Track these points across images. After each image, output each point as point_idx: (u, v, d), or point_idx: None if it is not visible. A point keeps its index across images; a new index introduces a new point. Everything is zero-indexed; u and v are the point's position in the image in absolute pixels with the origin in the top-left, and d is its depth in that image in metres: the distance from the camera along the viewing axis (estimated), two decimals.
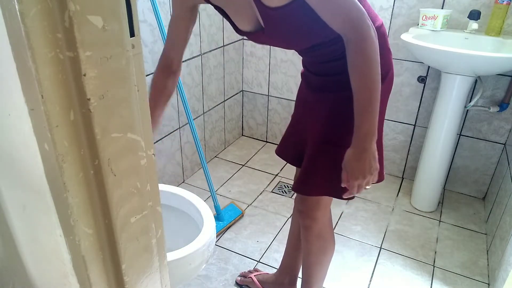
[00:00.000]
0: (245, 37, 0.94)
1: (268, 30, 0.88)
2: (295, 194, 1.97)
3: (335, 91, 0.96)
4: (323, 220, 1.12)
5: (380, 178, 1.03)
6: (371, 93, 0.82)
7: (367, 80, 0.81)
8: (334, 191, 1.00)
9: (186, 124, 1.96)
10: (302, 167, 1.04)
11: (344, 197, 0.95)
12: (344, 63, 0.86)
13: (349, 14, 0.78)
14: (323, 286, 1.48)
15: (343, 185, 0.92)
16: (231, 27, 0.94)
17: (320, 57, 0.95)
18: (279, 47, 0.99)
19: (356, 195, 0.92)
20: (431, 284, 1.50)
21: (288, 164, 2.26)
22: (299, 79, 2.17)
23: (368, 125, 0.84)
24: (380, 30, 0.93)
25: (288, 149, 1.17)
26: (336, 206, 1.91)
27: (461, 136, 1.94)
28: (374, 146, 0.86)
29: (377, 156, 0.88)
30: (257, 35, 0.91)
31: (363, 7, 0.90)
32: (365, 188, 0.92)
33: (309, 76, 1.04)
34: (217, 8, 0.91)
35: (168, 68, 1.01)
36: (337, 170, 0.96)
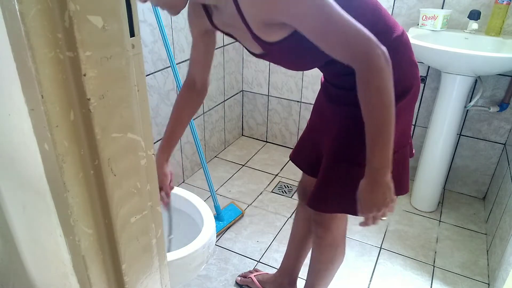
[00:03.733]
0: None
1: (273, 59, 0.88)
2: (295, 194, 1.98)
3: (353, 105, 0.88)
4: (338, 230, 1.10)
5: (405, 191, 1.02)
6: (382, 125, 0.76)
7: (377, 112, 0.75)
8: (349, 208, 0.96)
9: None
10: (317, 182, 1.01)
11: (361, 225, 0.90)
12: None
13: (353, 45, 0.71)
14: None
15: (359, 215, 0.88)
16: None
17: (338, 70, 0.90)
18: (290, 69, 0.98)
19: (373, 225, 0.88)
20: (431, 284, 1.50)
21: (288, 164, 2.26)
22: (299, 79, 2.18)
23: (379, 159, 0.78)
24: (401, 39, 0.88)
25: (302, 157, 1.15)
26: None
27: (461, 136, 1.94)
28: (388, 177, 0.81)
29: (392, 187, 0.82)
30: (267, 58, 0.90)
31: (381, 17, 0.86)
32: (382, 219, 0.87)
33: (328, 86, 1.00)
34: (227, 34, 0.91)
35: (191, 86, 1.04)
36: (352, 188, 0.91)
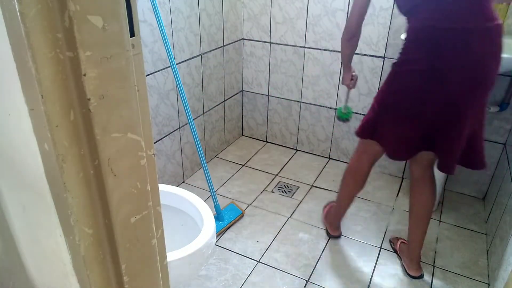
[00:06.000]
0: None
1: None
2: (295, 194, 1.98)
3: (395, 64, 1.26)
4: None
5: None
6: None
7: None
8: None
9: (186, 124, 1.96)
10: None
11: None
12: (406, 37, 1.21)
13: None
14: (324, 287, 1.48)
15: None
16: None
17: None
18: None
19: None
20: (431, 284, 1.50)
21: (288, 164, 2.26)
22: (299, 79, 2.18)
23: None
24: None
25: None
26: None
27: None
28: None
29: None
30: None
31: None
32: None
33: None
34: None
35: None
36: (369, 123, 1.33)
